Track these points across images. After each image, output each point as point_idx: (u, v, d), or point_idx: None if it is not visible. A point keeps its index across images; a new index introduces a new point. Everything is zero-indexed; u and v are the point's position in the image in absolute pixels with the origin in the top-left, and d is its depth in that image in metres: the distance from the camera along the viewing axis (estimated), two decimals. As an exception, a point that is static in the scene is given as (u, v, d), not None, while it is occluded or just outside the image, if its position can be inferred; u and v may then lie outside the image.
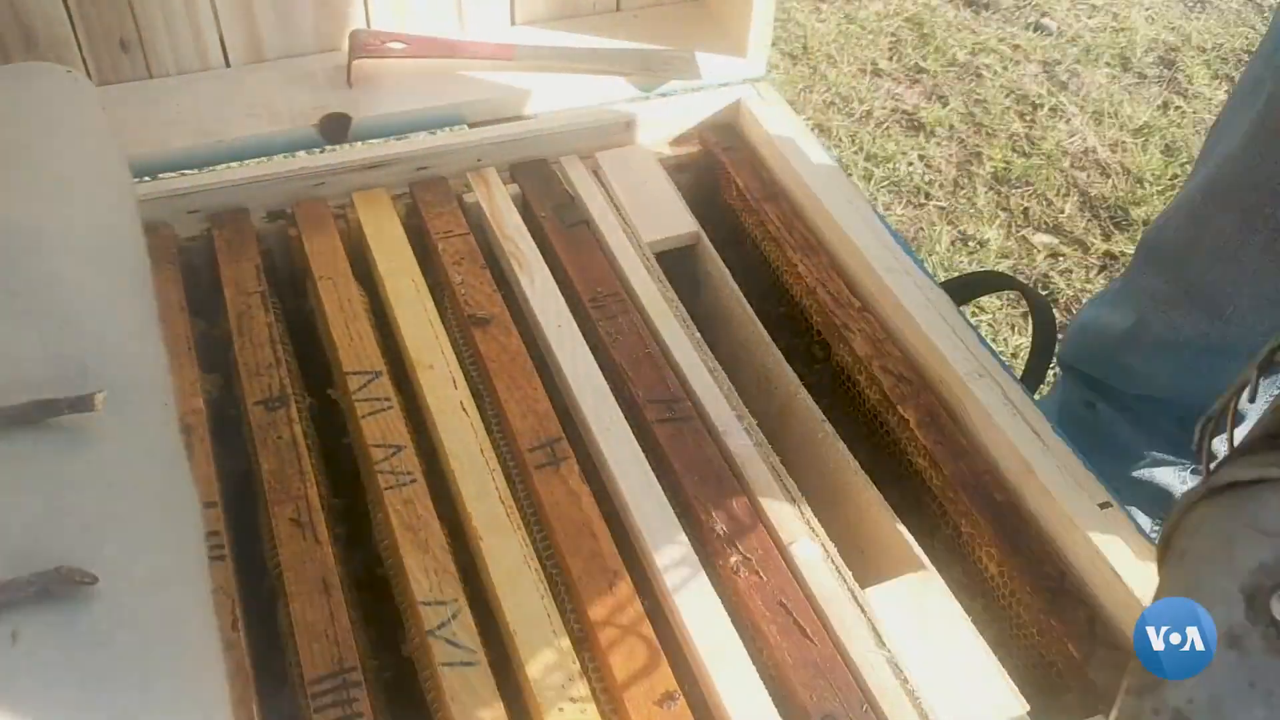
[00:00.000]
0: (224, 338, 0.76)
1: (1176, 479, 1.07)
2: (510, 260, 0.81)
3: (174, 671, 0.48)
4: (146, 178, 0.84)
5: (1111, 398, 1.06)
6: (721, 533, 0.65)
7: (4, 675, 0.44)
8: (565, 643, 0.59)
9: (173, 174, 0.85)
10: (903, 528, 0.67)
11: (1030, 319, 0.80)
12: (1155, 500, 1.09)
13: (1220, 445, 1.03)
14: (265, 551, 0.64)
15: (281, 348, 0.74)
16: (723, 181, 0.93)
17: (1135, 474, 1.08)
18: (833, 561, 0.64)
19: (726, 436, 0.70)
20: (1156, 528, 1.11)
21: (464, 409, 0.71)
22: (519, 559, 0.63)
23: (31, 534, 0.49)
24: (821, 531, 0.66)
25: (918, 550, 0.65)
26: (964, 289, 0.83)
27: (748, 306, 0.81)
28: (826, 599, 0.62)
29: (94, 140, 0.73)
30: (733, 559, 0.64)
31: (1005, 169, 2.06)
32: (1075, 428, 1.11)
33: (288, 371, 0.73)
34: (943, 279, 0.84)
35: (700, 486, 0.68)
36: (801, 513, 0.66)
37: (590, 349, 0.75)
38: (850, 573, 0.64)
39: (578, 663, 0.59)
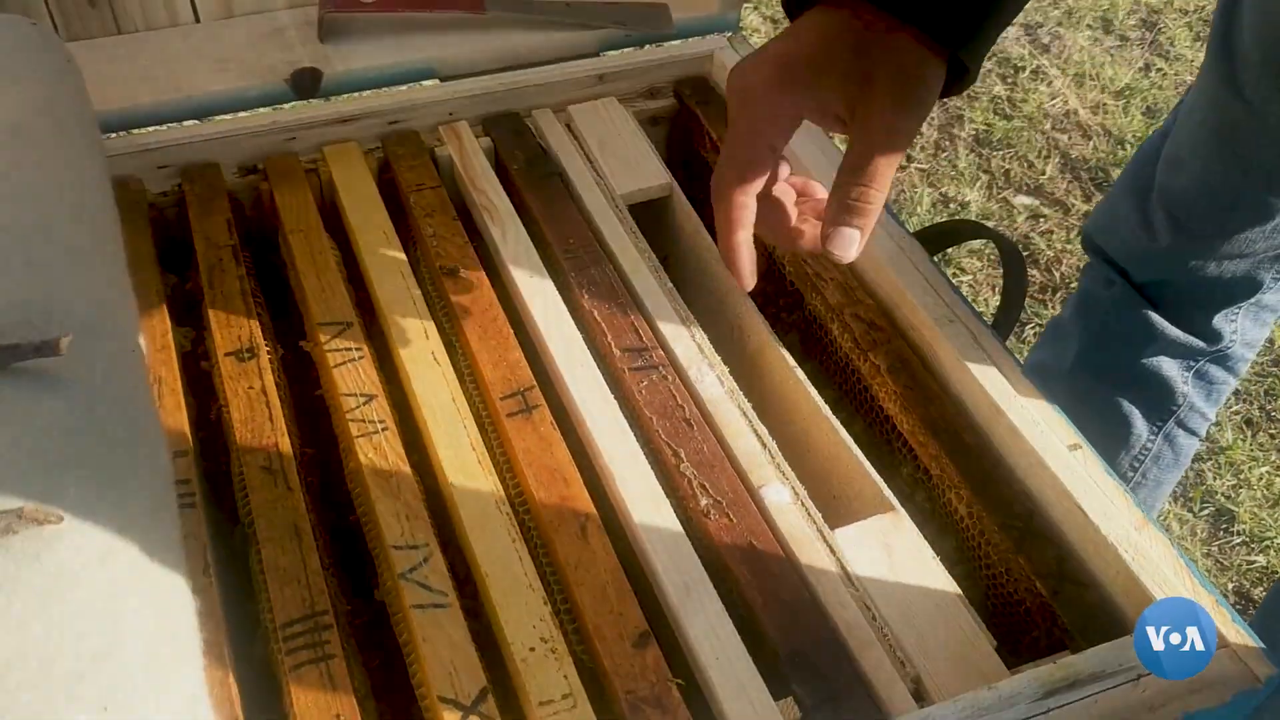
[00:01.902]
0: (195, 291, 0.76)
1: (1180, 376, 1.10)
2: (482, 212, 0.81)
3: (144, 611, 0.48)
4: (116, 133, 0.84)
5: (1128, 277, 1.10)
6: (691, 476, 0.65)
7: (-32, 610, 0.44)
8: (537, 585, 0.60)
9: (143, 129, 0.84)
10: (872, 470, 0.67)
11: (1003, 266, 0.80)
12: (1156, 402, 1.12)
13: (1224, 323, 1.07)
14: (237, 499, 0.64)
15: (253, 300, 0.74)
16: (696, 134, 0.92)
17: (1144, 362, 1.10)
18: (803, 504, 0.64)
19: (698, 383, 0.71)
20: (1153, 437, 1.14)
21: (435, 359, 0.71)
22: (490, 504, 0.63)
23: (-5, 476, 0.49)
24: (792, 475, 0.66)
25: (887, 492, 0.66)
26: (937, 238, 0.83)
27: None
28: (796, 540, 0.63)
29: (60, 91, 0.72)
30: (703, 502, 0.64)
31: (987, 131, 2.06)
32: (1093, 313, 1.15)
33: (259, 323, 0.73)
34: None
35: (671, 432, 0.68)
36: (772, 457, 0.67)
37: (562, 299, 0.75)
38: (820, 515, 0.64)
39: (549, 604, 0.59)
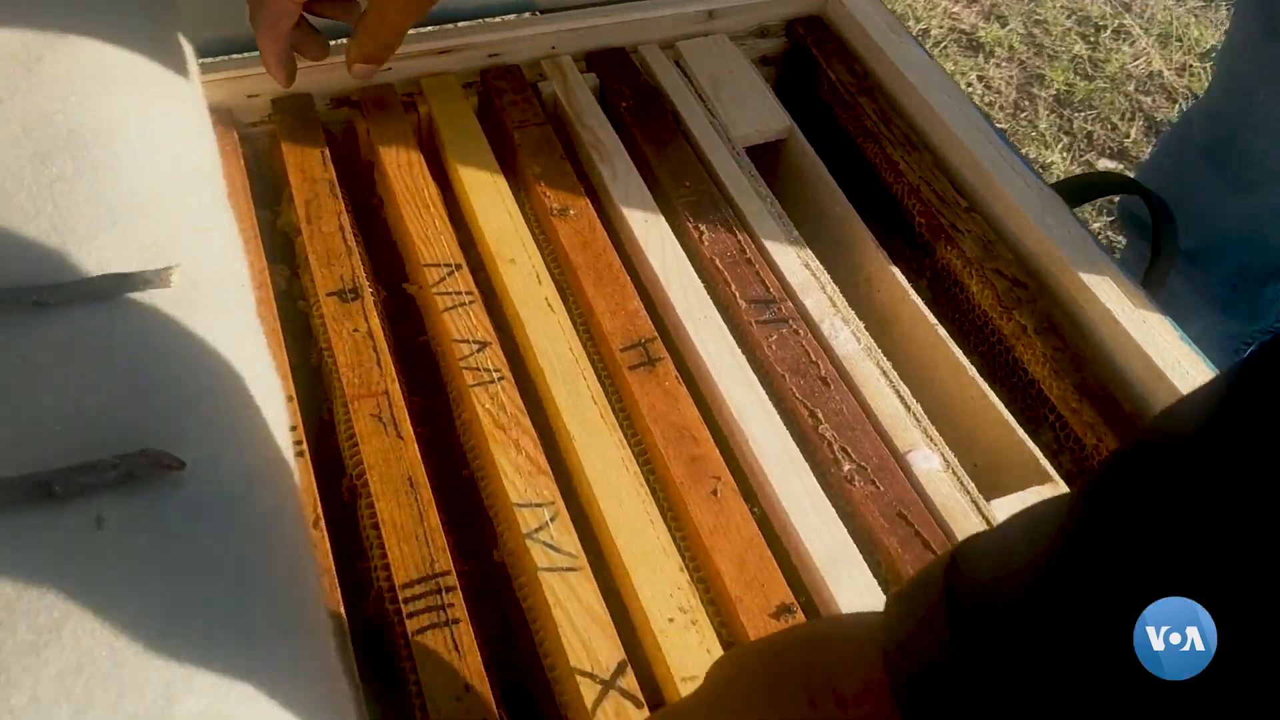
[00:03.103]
0: (289, 227, 0.72)
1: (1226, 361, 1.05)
2: (590, 151, 0.76)
3: (269, 567, 0.44)
4: (204, 60, 0.79)
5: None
6: (831, 439, 0.60)
7: (90, 561, 0.40)
8: (671, 550, 0.55)
9: (231, 56, 0.80)
10: (1026, 437, 0.62)
11: (1151, 222, 0.74)
12: None
13: (1274, 298, 1.01)
14: (343, 449, 0.60)
15: (353, 236, 0.70)
16: (813, 75, 0.87)
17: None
18: (954, 472, 0.59)
19: (831, 339, 0.66)
20: None
21: (550, 305, 0.66)
22: (616, 461, 0.59)
23: (109, 415, 0.45)
24: (940, 439, 0.61)
25: (1044, 462, 0.61)
26: (1075, 192, 0.78)
27: (848, 204, 0.76)
28: (949, 510, 0.58)
29: (156, 21, 0.68)
30: (846, 467, 0.59)
31: (1068, 92, 1.98)
32: None
33: (360, 261, 0.68)
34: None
35: (806, 390, 0.63)
36: (917, 420, 0.62)
37: (680, 245, 0.70)
38: (973, 484, 0.59)
39: (685, 571, 0.55)
